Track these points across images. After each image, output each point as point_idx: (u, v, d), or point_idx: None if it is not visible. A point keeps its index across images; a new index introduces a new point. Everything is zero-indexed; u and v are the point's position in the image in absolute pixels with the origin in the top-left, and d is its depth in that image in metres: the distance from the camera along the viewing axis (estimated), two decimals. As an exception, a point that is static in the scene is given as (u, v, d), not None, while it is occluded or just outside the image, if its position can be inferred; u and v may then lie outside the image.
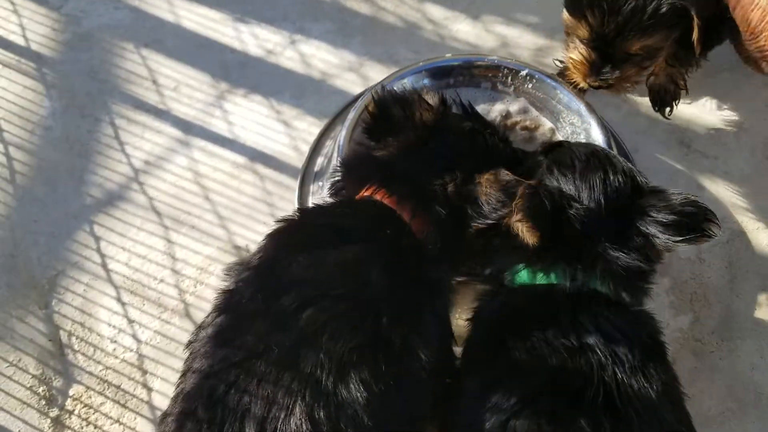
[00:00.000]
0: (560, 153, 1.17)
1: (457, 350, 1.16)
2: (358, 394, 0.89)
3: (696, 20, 1.36)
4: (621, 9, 1.40)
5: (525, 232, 1.04)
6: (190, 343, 1.00)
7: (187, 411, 0.92)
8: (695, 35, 1.39)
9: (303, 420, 0.86)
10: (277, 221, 1.11)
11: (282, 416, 0.86)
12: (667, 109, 1.73)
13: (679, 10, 1.37)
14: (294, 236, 1.08)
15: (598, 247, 1.06)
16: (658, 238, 1.05)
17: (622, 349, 0.97)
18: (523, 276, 1.10)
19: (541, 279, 1.08)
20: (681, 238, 1.04)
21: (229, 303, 0.99)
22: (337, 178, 1.20)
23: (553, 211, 1.06)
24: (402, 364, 0.97)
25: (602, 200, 1.07)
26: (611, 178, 1.09)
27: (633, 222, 1.06)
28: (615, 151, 1.49)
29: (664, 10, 1.38)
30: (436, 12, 1.99)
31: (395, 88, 1.28)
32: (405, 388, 0.98)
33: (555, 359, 0.97)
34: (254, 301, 0.98)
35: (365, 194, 1.12)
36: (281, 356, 0.90)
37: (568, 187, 1.09)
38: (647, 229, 1.05)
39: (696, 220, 1.05)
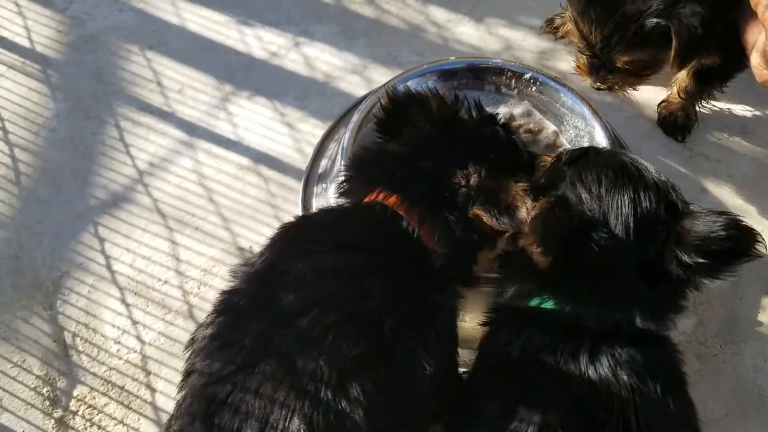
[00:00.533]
0: (586, 165, 1.08)
1: (462, 353, 1.16)
2: (358, 404, 0.88)
3: (675, 38, 1.35)
4: (607, 21, 1.39)
5: (535, 255, 0.99)
6: (191, 343, 1.00)
7: (188, 417, 0.92)
8: (674, 50, 1.37)
9: (302, 428, 0.85)
10: (281, 226, 1.10)
11: (281, 426, 0.86)
12: (678, 136, 1.76)
13: (667, 28, 1.36)
14: (298, 242, 1.07)
15: (626, 281, 1.00)
16: (702, 269, 0.97)
17: (643, 382, 0.93)
18: (541, 301, 1.05)
19: (561, 306, 1.03)
20: (730, 267, 0.97)
21: (229, 305, 0.99)
22: (344, 178, 1.17)
23: (572, 235, 0.99)
24: (404, 376, 0.96)
25: (631, 224, 0.99)
26: (642, 197, 1.01)
27: (670, 251, 0.98)
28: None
29: (648, 28, 1.37)
30: (440, 15, 1.99)
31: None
32: (406, 400, 0.97)
33: (575, 391, 0.94)
34: (255, 304, 0.97)
35: (373, 198, 1.10)
36: (281, 362, 0.90)
37: (593, 206, 1.01)
38: (688, 259, 0.97)
39: (743, 244, 0.96)
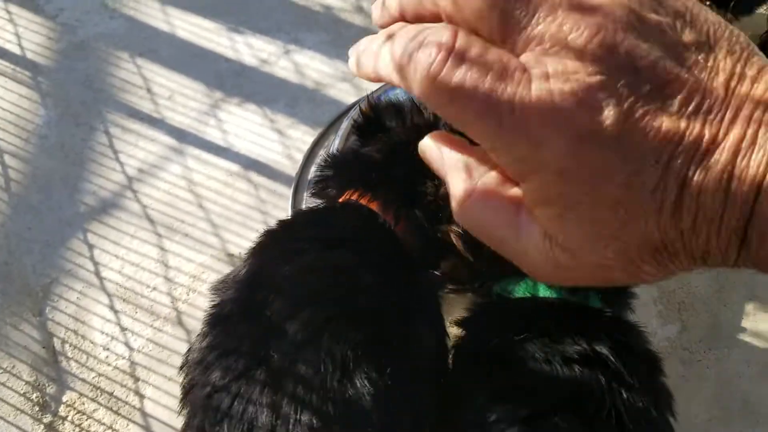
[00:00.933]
0: None
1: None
2: (365, 390, 0.88)
3: None
4: None
5: None
6: (187, 357, 0.99)
7: (194, 430, 0.91)
8: None
9: (313, 419, 0.85)
10: (264, 232, 1.11)
11: (292, 420, 0.86)
12: None
13: None
14: (283, 245, 1.08)
15: None
16: None
17: (630, 365, 0.95)
18: (522, 288, 1.07)
19: (543, 292, 1.05)
20: None
21: (222, 315, 0.99)
22: (318, 179, 1.18)
23: None
24: (403, 362, 0.97)
25: None
26: None
27: None
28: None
29: None
30: (429, 23, 2.01)
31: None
32: (409, 386, 0.98)
33: (565, 375, 0.94)
34: (248, 310, 0.98)
35: (349, 198, 1.11)
36: (282, 362, 0.90)
37: None
38: None
39: None
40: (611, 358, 0.95)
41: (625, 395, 0.93)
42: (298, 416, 0.85)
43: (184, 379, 0.98)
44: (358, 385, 0.89)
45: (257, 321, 0.95)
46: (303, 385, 0.87)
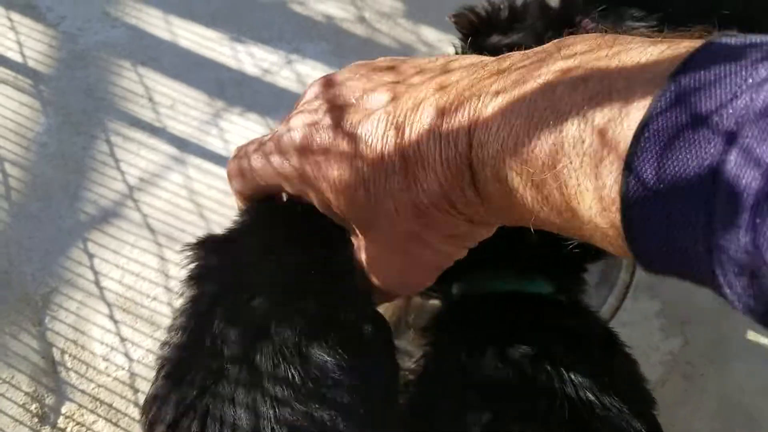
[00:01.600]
0: None
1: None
2: (328, 364, 0.85)
3: None
4: None
5: None
6: (152, 401, 0.92)
7: None
8: None
9: (293, 403, 0.83)
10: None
11: (272, 414, 0.83)
12: None
13: None
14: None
15: (541, 245, 0.95)
16: None
17: (582, 351, 0.91)
18: (472, 283, 1.01)
19: (496, 286, 0.99)
20: None
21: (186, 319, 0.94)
22: None
23: None
24: (359, 339, 0.94)
25: None
26: None
27: None
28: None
29: None
30: (431, 35, 2.01)
31: None
32: (369, 361, 0.94)
33: (518, 375, 0.90)
34: (200, 313, 0.92)
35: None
36: (241, 363, 0.86)
37: None
38: None
39: None
40: (563, 351, 0.90)
41: (577, 387, 0.90)
42: (276, 412, 0.82)
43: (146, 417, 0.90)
44: (320, 361, 0.85)
45: (212, 324, 0.90)
46: (269, 377, 0.84)
